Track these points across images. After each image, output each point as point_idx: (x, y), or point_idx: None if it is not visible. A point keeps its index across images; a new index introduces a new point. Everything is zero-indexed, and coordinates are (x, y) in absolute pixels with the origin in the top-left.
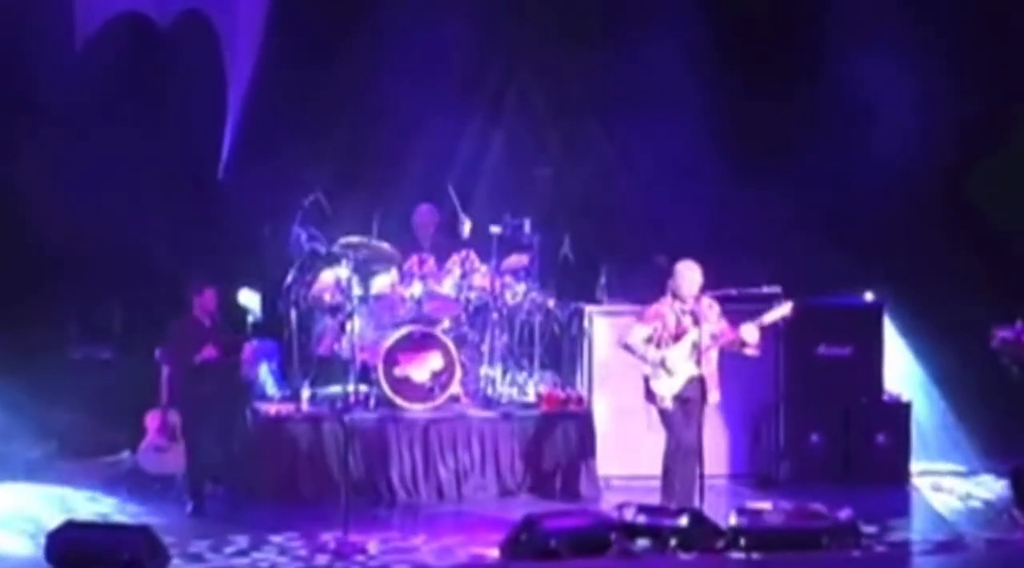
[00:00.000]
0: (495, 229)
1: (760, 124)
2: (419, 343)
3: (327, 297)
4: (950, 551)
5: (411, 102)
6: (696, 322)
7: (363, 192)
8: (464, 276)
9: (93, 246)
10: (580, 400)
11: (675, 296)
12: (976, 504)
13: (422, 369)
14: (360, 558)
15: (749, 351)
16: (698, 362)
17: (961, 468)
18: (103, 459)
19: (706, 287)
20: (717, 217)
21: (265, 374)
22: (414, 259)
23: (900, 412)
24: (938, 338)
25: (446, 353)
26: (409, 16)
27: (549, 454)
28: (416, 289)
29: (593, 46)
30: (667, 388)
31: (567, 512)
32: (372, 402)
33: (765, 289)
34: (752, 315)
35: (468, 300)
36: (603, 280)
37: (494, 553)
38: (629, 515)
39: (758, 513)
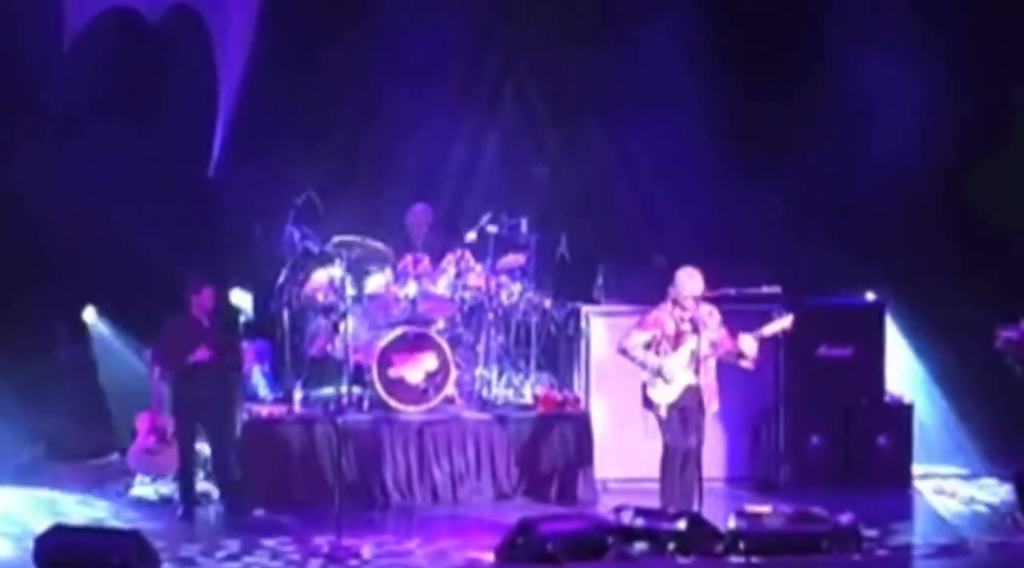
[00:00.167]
0: (491, 228)
1: (760, 124)
2: (413, 344)
3: (320, 297)
4: (952, 555)
5: (405, 100)
6: (695, 330)
7: (356, 191)
8: (459, 276)
9: (82, 246)
10: (577, 402)
11: (675, 303)
12: (979, 508)
13: (416, 370)
14: (354, 562)
15: (745, 363)
16: (696, 371)
17: (964, 471)
18: (92, 462)
19: (705, 287)
20: (716, 217)
21: (257, 376)
22: (408, 258)
23: (902, 414)
24: (940, 338)
25: (441, 354)
26: (404, 13)
27: (545, 457)
28: (410, 289)
29: (592, 45)
30: (664, 396)
31: (564, 515)
32: (366, 404)
33: (764, 289)
34: (751, 315)
35: (463, 300)
36: (600, 280)
37: (489, 557)
38: (627, 518)
39: (757, 516)
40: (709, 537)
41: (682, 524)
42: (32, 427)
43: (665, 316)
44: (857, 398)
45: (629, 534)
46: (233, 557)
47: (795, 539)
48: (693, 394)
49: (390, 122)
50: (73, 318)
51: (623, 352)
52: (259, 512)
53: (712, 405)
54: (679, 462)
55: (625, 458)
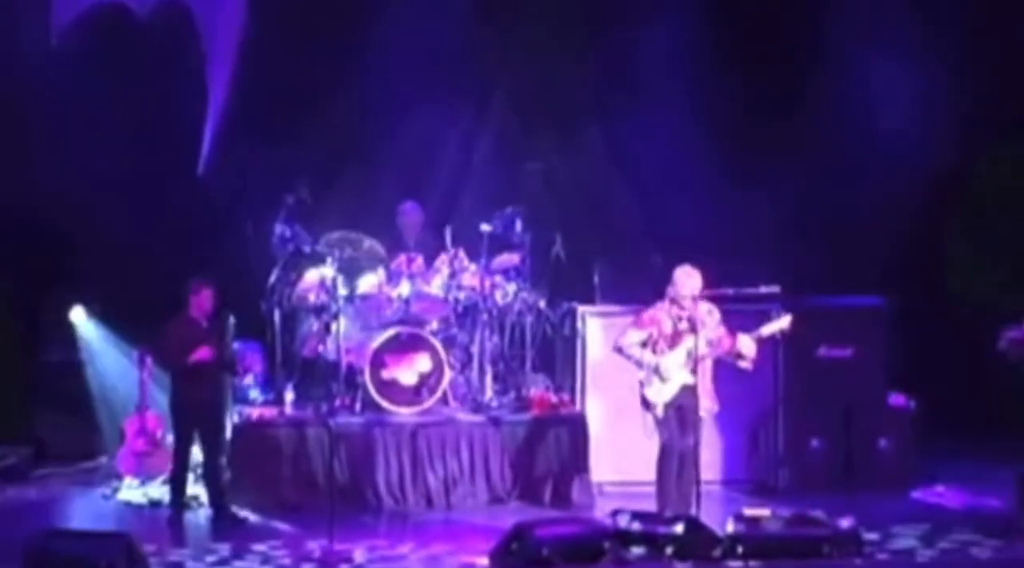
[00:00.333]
0: (485, 227)
1: (759, 123)
2: (406, 345)
3: (311, 297)
4: (955, 560)
5: (398, 97)
6: (693, 329)
7: (348, 189)
8: (453, 275)
9: (69, 245)
10: (572, 404)
11: (673, 301)
12: (982, 510)
13: (410, 371)
14: (346, 567)
15: (743, 364)
16: (693, 370)
17: (967, 473)
18: (80, 464)
19: (704, 287)
20: (715, 216)
21: (248, 378)
22: (402, 258)
23: (903, 416)
24: (941, 339)
25: (434, 355)
26: (396, 8)
27: (541, 460)
28: (404, 289)
29: (589, 42)
30: (660, 395)
31: (559, 520)
32: (358, 406)
33: (763, 289)
34: (750, 315)
35: (457, 300)
36: (596, 280)
37: (484, 562)
38: (623, 522)
39: (756, 520)
40: (707, 541)
41: (679, 528)
42: (19, 428)
43: (662, 315)
44: (858, 399)
45: (626, 538)
46: (223, 562)
47: (794, 543)
48: (690, 393)
49: (382, 119)
50: (60, 318)
51: (619, 350)
52: (249, 516)
53: (712, 406)
54: (675, 463)
55: (622, 461)
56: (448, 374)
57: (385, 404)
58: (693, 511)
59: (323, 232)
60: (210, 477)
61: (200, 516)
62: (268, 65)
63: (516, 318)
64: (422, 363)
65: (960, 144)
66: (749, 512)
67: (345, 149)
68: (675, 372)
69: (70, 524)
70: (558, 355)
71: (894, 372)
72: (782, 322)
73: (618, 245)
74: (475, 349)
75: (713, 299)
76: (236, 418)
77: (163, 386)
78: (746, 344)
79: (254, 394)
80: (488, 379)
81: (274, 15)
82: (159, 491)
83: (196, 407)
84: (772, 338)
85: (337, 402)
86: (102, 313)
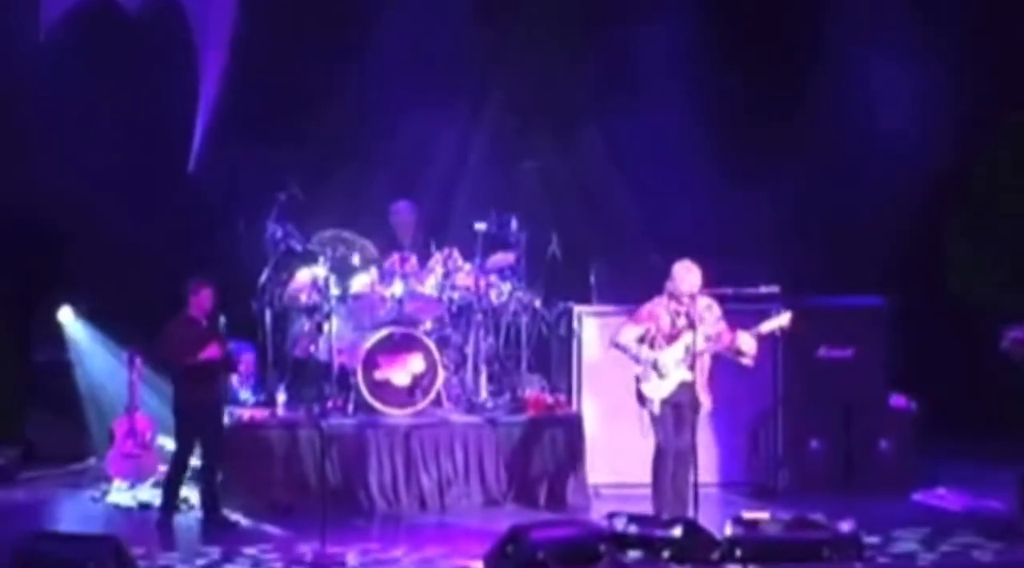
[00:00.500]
0: (480, 225)
1: (759, 123)
2: (400, 345)
3: (303, 297)
4: (956, 562)
5: (392, 94)
6: (691, 325)
7: (341, 187)
8: (447, 275)
9: (57, 244)
10: (568, 404)
11: (671, 297)
12: (984, 513)
13: (403, 372)
14: None
15: (744, 361)
16: (691, 367)
17: (968, 475)
18: (69, 466)
19: (703, 286)
20: (714, 215)
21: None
22: (395, 257)
23: (904, 417)
24: (941, 339)
25: (428, 355)
26: (393, 7)
27: (536, 461)
28: (397, 288)
29: (588, 41)
30: (657, 391)
31: (555, 522)
32: (350, 407)
33: (763, 288)
34: (749, 315)
35: (451, 300)
36: (593, 279)
37: (478, 565)
38: (620, 525)
39: (755, 523)
40: (705, 544)
41: (677, 531)
42: (7, 430)
43: (660, 310)
44: (858, 400)
45: (622, 541)
46: (213, 565)
47: (794, 547)
48: (687, 390)
49: (375, 117)
50: (48, 318)
51: (616, 346)
52: (240, 519)
53: (706, 403)
54: (671, 462)
55: (618, 463)
56: (442, 375)
57: (378, 405)
58: (691, 513)
59: (316, 231)
60: (207, 480)
61: (190, 519)
62: (261, 62)
63: (511, 318)
64: (415, 364)
65: (960, 144)
66: (748, 515)
67: (340, 148)
68: (673, 368)
69: (58, 526)
70: (554, 355)
71: (894, 372)
72: (782, 319)
73: (615, 244)
74: (469, 349)
75: (712, 298)
76: (227, 419)
77: (153, 387)
78: (746, 341)
79: (245, 395)
80: (483, 380)
81: (266, 11)
82: (149, 493)
83: (199, 408)
84: (772, 335)
85: (329, 403)
86: (90, 313)
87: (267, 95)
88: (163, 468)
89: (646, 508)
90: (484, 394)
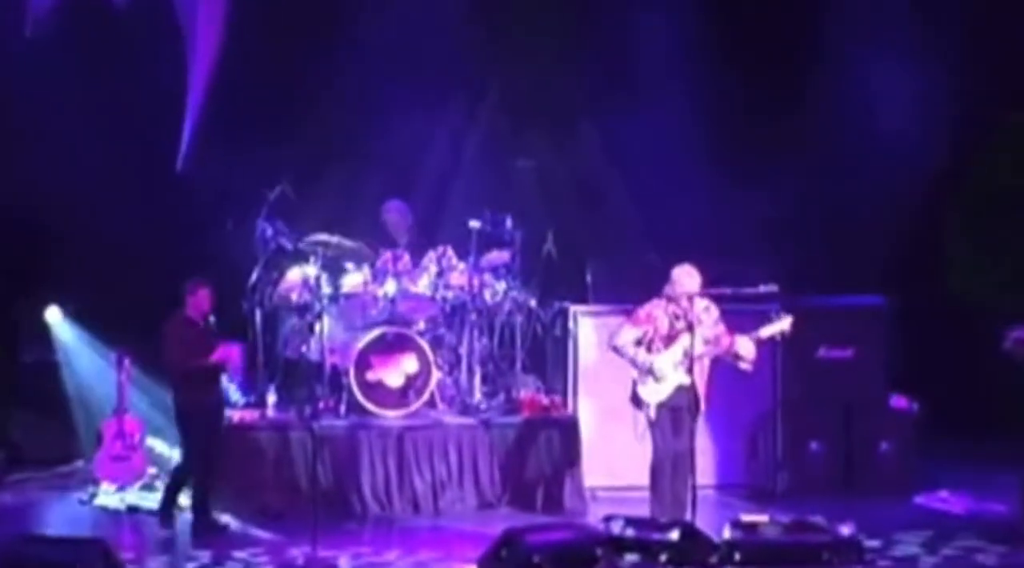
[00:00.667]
0: (474, 224)
1: (758, 122)
2: (393, 345)
3: (294, 296)
4: (959, 567)
5: (385, 89)
6: (690, 328)
7: (332, 184)
8: (440, 274)
9: (44, 243)
10: (564, 406)
11: (670, 299)
12: (986, 516)
13: (396, 373)
14: None
15: (743, 365)
16: (689, 370)
17: (970, 477)
18: (56, 469)
19: (703, 287)
20: (712, 215)
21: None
22: (388, 255)
23: (905, 418)
24: (942, 339)
25: (421, 356)
26: (387, 4)
27: (531, 464)
28: (389, 288)
29: (585, 40)
30: (654, 395)
31: (550, 526)
32: (342, 408)
33: (762, 288)
34: (748, 315)
35: (445, 299)
36: (589, 278)
37: None
38: (617, 528)
39: (754, 526)
40: (703, 548)
41: (675, 534)
42: None
43: (659, 312)
44: (858, 402)
45: (619, 545)
46: None
47: (793, 550)
48: (685, 394)
49: (369, 113)
50: (35, 318)
51: (615, 349)
52: (231, 522)
53: (701, 407)
54: (669, 466)
55: (615, 465)
56: (436, 375)
57: (370, 406)
58: (689, 517)
59: (308, 230)
60: (205, 482)
61: (180, 522)
62: (251, 58)
63: (506, 318)
64: (409, 364)
65: (960, 144)
66: (746, 518)
67: (333, 145)
68: (670, 372)
69: (46, 530)
70: (549, 356)
71: (894, 373)
72: (783, 323)
73: (612, 243)
74: (463, 350)
75: (711, 298)
76: None
77: (142, 388)
78: (745, 345)
79: (235, 396)
80: (477, 381)
81: (257, 7)
82: (137, 496)
83: (201, 410)
84: (771, 340)
85: (321, 404)
86: (78, 313)
87: (258, 92)
88: (152, 470)
89: (643, 511)
90: (478, 395)
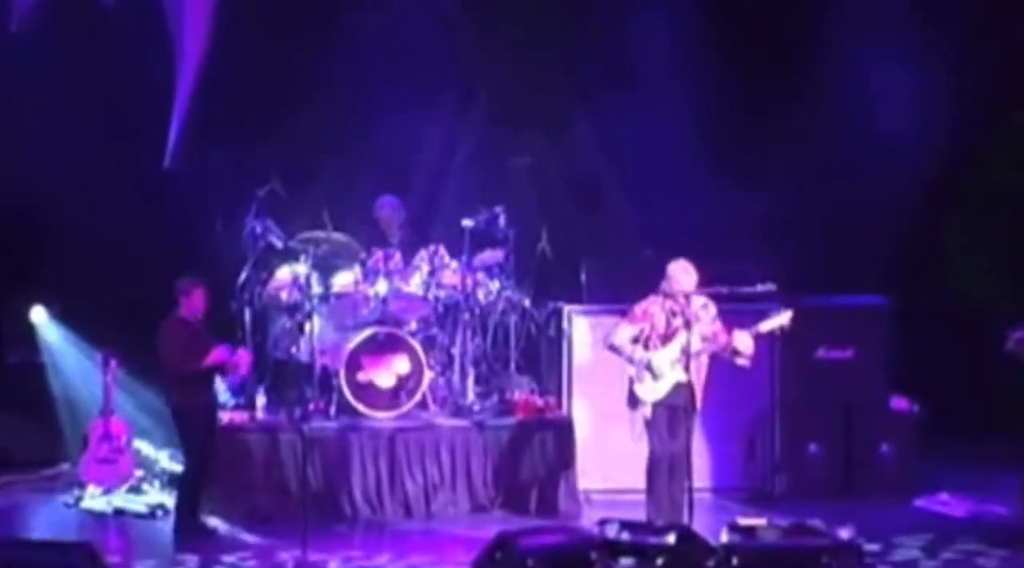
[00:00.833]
0: (467, 222)
1: (757, 121)
2: (384, 345)
3: (284, 295)
4: None
5: (377, 86)
6: (687, 325)
7: (323, 182)
8: (433, 273)
9: (29, 241)
10: (558, 407)
11: (667, 296)
12: (987, 518)
13: (387, 374)
14: None
15: (740, 361)
16: (686, 368)
17: (971, 479)
18: (41, 471)
19: (701, 286)
20: (713, 215)
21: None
22: (379, 254)
23: (905, 419)
24: (942, 340)
25: (413, 356)
26: (380, 1)
27: (525, 466)
28: (381, 287)
29: (581, 37)
30: (651, 393)
31: (544, 529)
32: (333, 409)
33: (759, 287)
34: (746, 314)
35: (437, 299)
36: (584, 277)
37: None
38: (611, 532)
39: (752, 530)
40: (700, 552)
41: (671, 538)
42: None
43: (656, 309)
44: (858, 403)
45: (614, 549)
46: None
47: (792, 554)
48: (682, 392)
49: (361, 110)
50: (20, 319)
51: (611, 348)
52: (219, 525)
53: (696, 405)
54: (665, 468)
55: (610, 467)
56: (428, 376)
57: (361, 408)
58: (686, 520)
59: (298, 228)
60: (197, 484)
61: (167, 525)
62: (240, 54)
63: (499, 317)
64: (400, 365)
65: (960, 144)
66: (744, 521)
67: (324, 143)
68: (667, 369)
69: (31, 534)
70: (543, 356)
71: (894, 374)
72: (782, 318)
73: (607, 242)
74: (456, 350)
75: (708, 296)
76: None
77: (128, 390)
78: (743, 340)
79: (224, 398)
80: (470, 381)
81: (246, 2)
82: (123, 499)
83: (198, 411)
84: (771, 335)
85: (311, 406)
86: (64, 313)
87: (247, 89)
88: (139, 473)
89: (639, 514)
90: (471, 396)
